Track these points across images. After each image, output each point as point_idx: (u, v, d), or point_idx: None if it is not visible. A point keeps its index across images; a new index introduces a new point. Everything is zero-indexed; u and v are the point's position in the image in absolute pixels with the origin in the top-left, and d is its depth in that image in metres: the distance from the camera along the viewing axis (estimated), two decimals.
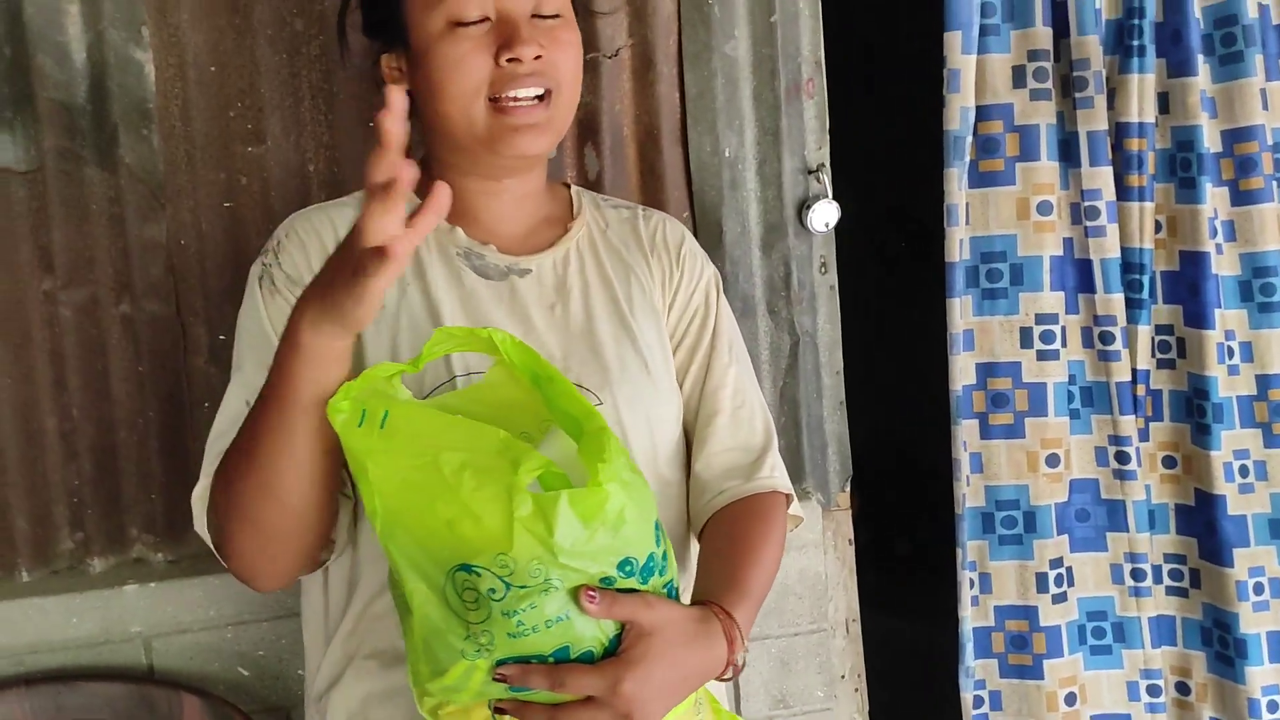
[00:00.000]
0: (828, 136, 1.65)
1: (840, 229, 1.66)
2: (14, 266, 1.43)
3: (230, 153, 1.47)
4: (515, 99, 1.10)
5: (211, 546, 1.06)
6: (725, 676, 1.00)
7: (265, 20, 1.45)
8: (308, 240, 1.14)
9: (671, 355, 1.21)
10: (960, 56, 1.59)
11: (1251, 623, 1.66)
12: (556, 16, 1.13)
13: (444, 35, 1.10)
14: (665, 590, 0.94)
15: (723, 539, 1.13)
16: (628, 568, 0.89)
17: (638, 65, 1.57)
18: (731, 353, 1.24)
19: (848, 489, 1.71)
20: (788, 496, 1.21)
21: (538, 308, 1.17)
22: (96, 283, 1.45)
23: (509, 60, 1.09)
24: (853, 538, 1.72)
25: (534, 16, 1.12)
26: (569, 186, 1.29)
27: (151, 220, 1.45)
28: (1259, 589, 1.67)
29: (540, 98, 1.11)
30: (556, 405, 0.96)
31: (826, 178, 1.64)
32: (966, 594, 1.69)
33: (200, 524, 1.07)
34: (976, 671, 1.70)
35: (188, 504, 1.18)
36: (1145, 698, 1.70)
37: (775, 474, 1.19)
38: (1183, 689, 1.74)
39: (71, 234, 1.44)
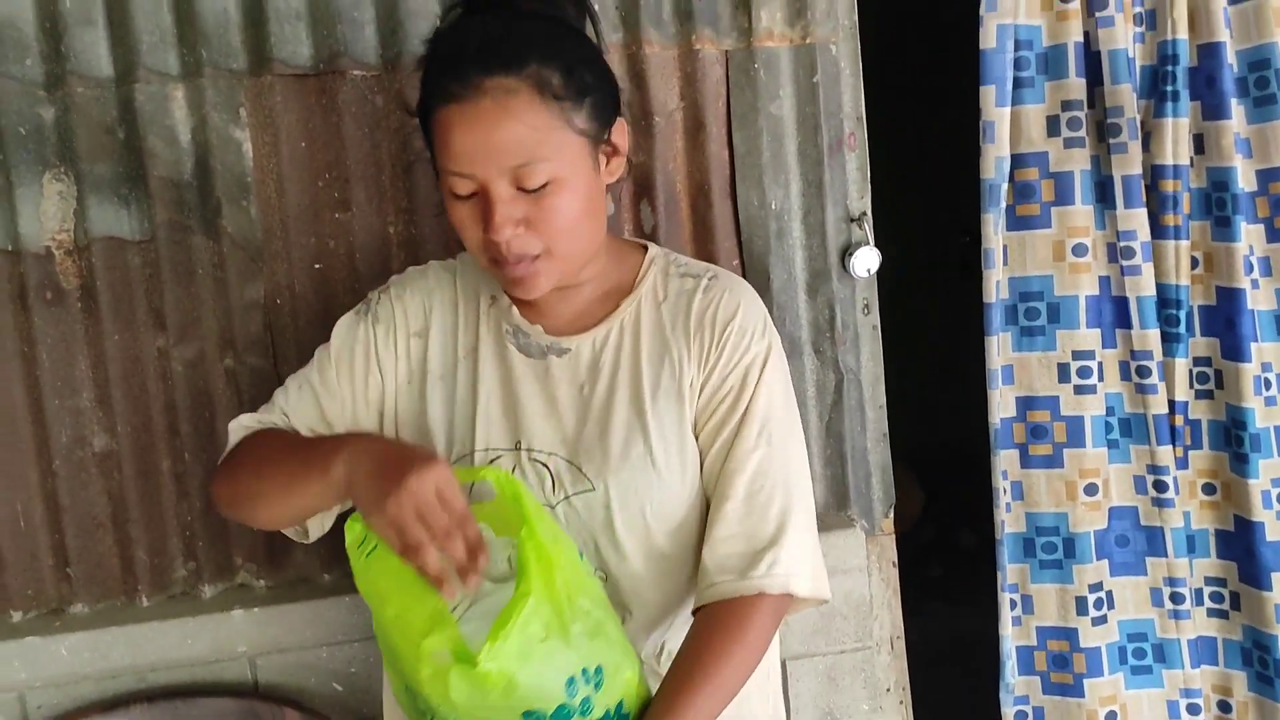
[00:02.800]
0: (869, 186, 1.65)
1: (883, 272, 1.66)
2: (132, 326, 1.51)
3: (320, 219, 1.52)
4: (508, 261, 1.11)
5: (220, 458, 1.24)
6: None
7: (349, 99, 1.50)
8: (410, 294, 1.26)
9: (693, 439, 1.18)
10: (995, 109, 1.57)
11: None
12: (545, 186, 1.09)
13: (450, 199, 1.13)
14: None
15: (690, 644, 1.12)
16: (534, 716, 0.98)
17: (689, 125, 1.59)
18: (762, 436, 1.17)
19: (890, 515, 1.72)
20: (788, 594, 1.15)
21: (567, 386, 1.19)
22: (203, 339, 1.52)
23: (490, 234, 1.10)
24: (895, 560, 1.73)
25: (522, 188, 1.09)
26: (647, 248, 1.27)
27: (251, 282, 1.52)
28: None
29: (534, 258, 1.12)
30: (521, 552, 1.00)
31: (868, 225, 1.64)
32: (1007, 614, 1.67)
33: (232, 439, 1.23)
34: (1019, 689, 1.69)
35: (285, 536, 1.28)
36: (1186, 716, 1.67)
37: (773, 571, 1.13)
38: (1224, 707, 1.70)
39: (180, 296, 1.51)
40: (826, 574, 1.22)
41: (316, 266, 1.53)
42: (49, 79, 1.46)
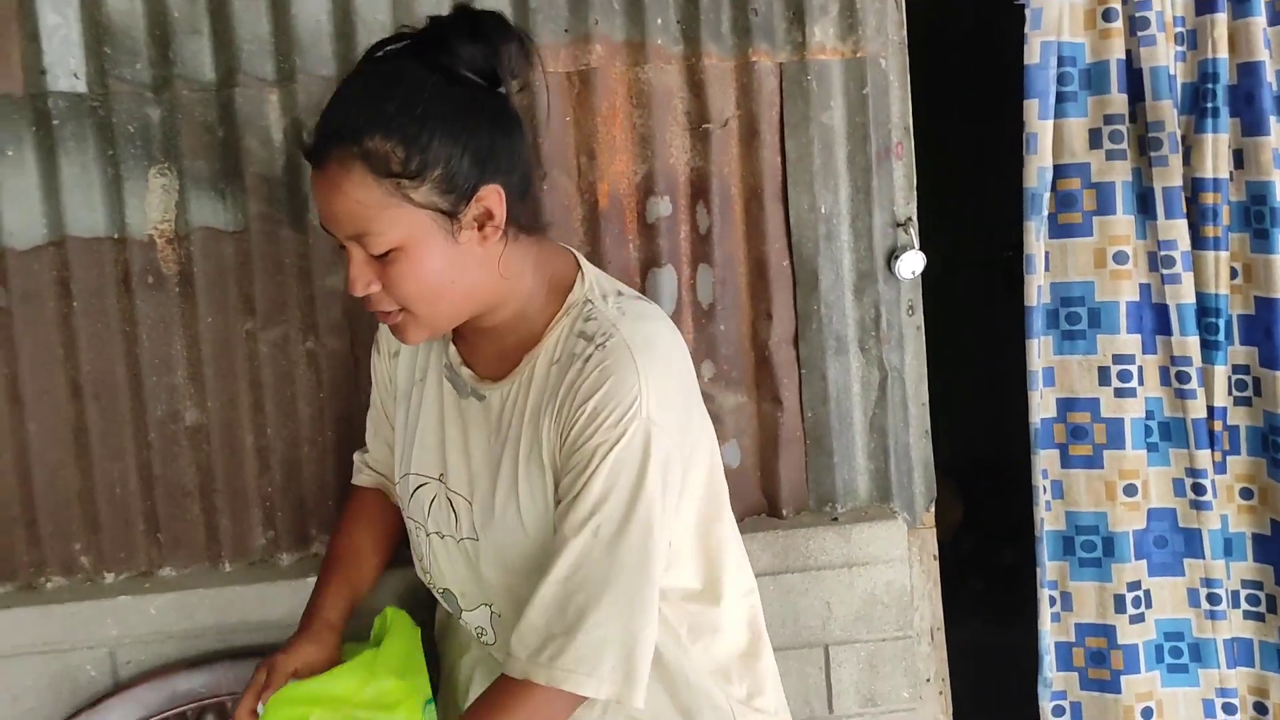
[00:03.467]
0: (915, 193, 1.72)
1: (928, 274, 1.73)
2: (224, 310, 1.62)
3: None
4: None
5: None
6: None
7: None
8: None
9: (553, 506, 1.19)
10: (1038, 121, 1.63)
11: None
12: (389, 253, 1.13)
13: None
14: None
15: (471, 708, 1.20)
16: None
17: (744, 133, 1.67)
18: (588, 524, 1.13)
19: (931, 509, 1.76)
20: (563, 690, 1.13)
21: (480, 433, 1.25)
22: (288, 323, 1.63)
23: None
24: (936, 553, 1.77)
25: (370, 255, 1.14)
26: (569, 293, 1.23)
27: (332, 272, 1.62)
28: None
29: (399, 311, 1.17)
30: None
31: (914, 230, 1.71)
32: (1046, 610, 1.71)
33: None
34: (1057, 683, 1.73)
35: None
36: (1221, 715, 1.69)
37: (554, 663, 1.12)
38: (1261, 709, 1.72)
39: (268, 283, 1.62)
40: (642, 679, 1.14)
41: None
42: (157, 82, 1.58)
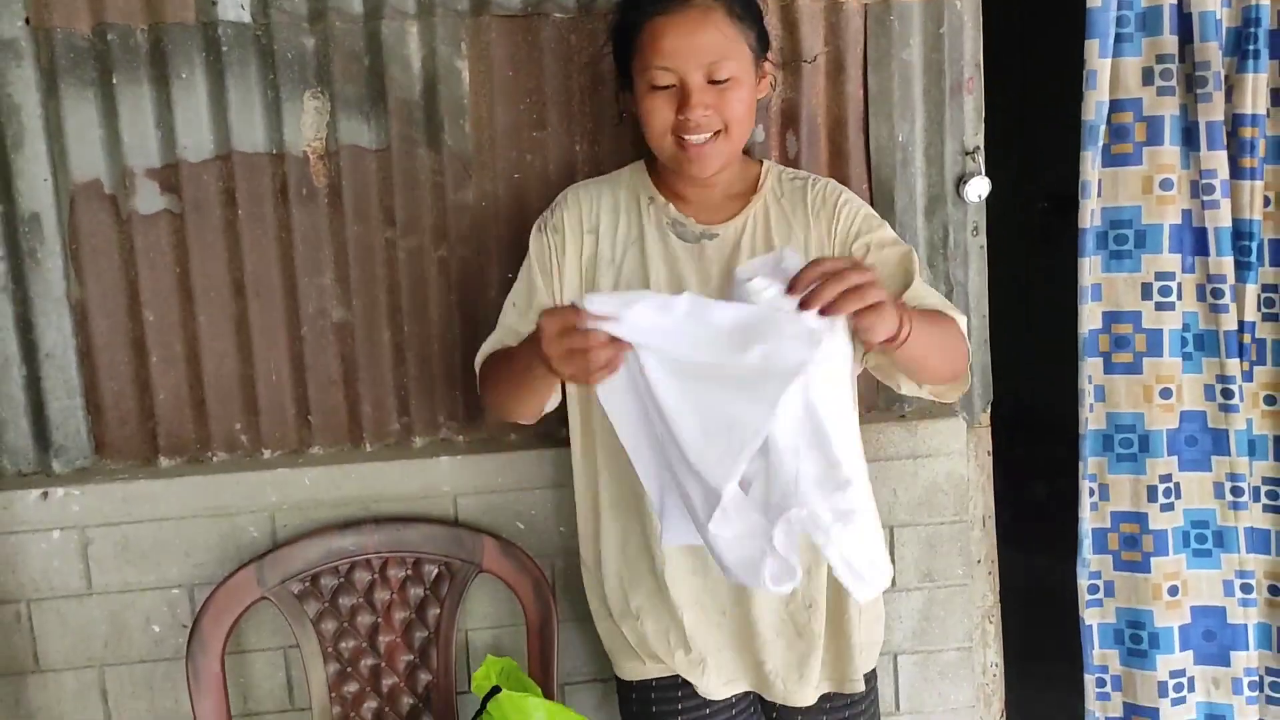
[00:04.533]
0: (983, 125, 1.91)
1: (991, 199, 1.91)
2: (367, 220, 1.82)
3: (520, 137, 1.82)
4: (692, 140, 1.46)
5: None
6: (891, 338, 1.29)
7: (550, 37, 1.79)
8: (572, 206, 1.59)
9: None
10: (1097, 59, 1.81)
11: None
12: (728, 80, 1.45)
13: (647, 94, 1.47)
14: None
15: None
16: None
17: (831, 68, 1.85)
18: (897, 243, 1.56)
19: (988, 410, 1.97)
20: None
21: (718, 265, 1.53)
22: (423, 233, 1.83)
23: (682, 115, 1.45)
24: (990, 449, 1.98)
25: (710, 82, 1.44)
26: (762, 163, 1.61)
27: (463, 187, 1.82)
28: None
29: (715, 133, 1.46)
30: None
31: (980, 158, 1.89)
32: (1086, 500, 1.92)
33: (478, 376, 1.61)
34: (1094, 565, 1.95)
35: (479, 401, 1.63)
36: (1239, 594, 1.91)
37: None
38: (1275, 590, 1.93)
39: (407, 196, 1.82)
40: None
41: (515, 176, 1.83)
42: (312, 14, 1.77)
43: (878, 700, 1.71)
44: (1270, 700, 1.94)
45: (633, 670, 1.63)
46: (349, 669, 1.75)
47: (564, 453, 1.79)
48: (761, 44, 1.52)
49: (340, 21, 1.77)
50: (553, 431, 1.82)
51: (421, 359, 1.87)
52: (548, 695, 1.71)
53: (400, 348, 1.86)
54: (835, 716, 1.63)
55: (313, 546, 1.76)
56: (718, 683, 1.60)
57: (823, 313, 1.18)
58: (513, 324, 1.60)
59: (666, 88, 1.45)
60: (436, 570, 1.77)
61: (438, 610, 1.75)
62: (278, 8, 1.76)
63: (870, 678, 1.65)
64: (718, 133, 1.47)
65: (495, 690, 1.56)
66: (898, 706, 1.97)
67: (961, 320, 1.51)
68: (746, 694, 1.64)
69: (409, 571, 1.77)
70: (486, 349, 1.62)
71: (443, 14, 1.78)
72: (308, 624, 1.73)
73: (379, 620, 1.76)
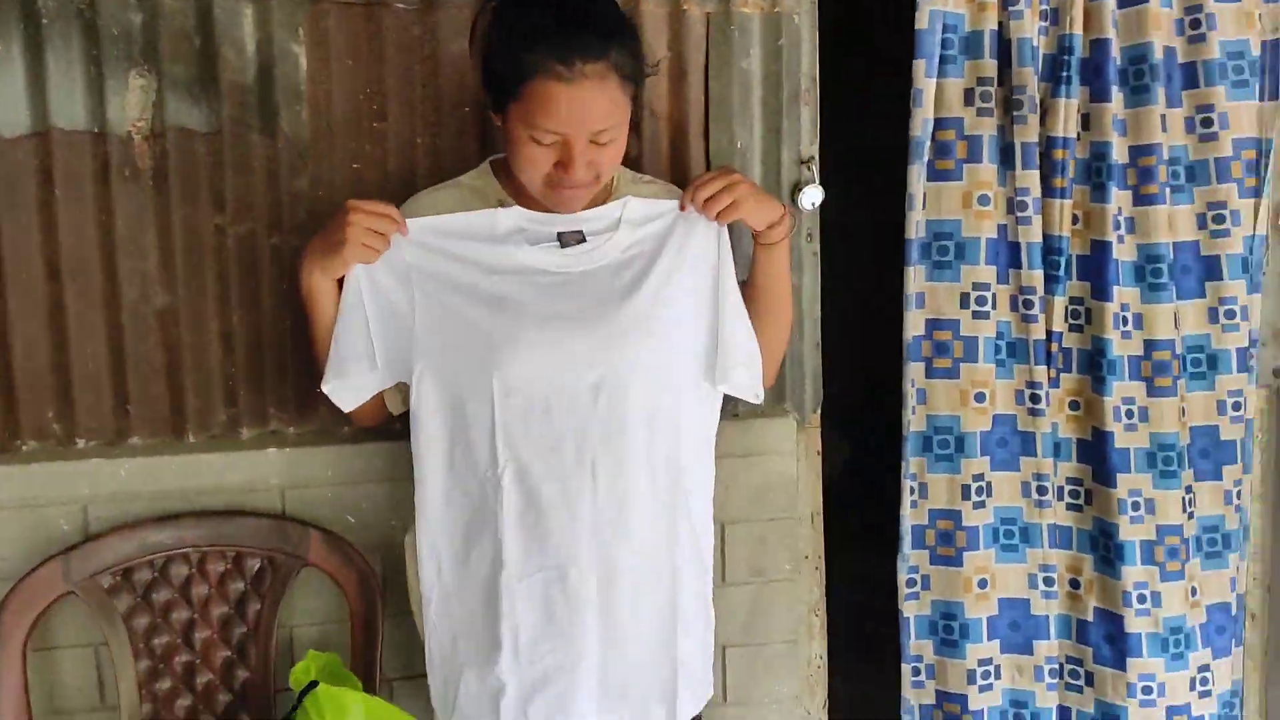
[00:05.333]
0: (818, 135, 1.98)
1: (824, 208, 1.98)
2: (195, 204, 1.77)
3: (359, 127, 1.79)
4: (564, 186, 1.47)
5: None
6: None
7: (391, 27, 1.77)
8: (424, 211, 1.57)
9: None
10: (924, 79, 1.89)
11: (1128, 532, 1.97)
12: (610, 141, 1.45)
13: (525, 141, 1.45)
14: None
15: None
16: None
17: (674, 73, 1.89)
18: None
19: (818, 411, 2.05)
20: None
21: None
22: (255, 220, 1.79)
23: (562, 172, 1.45)
24: (820, 449, 2.06)
25: (592, 142, 1.44)
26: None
27: (298, 175, 1.79)
28: (1135, 506, 1.98)
29: (590, 180, 1.48)
30: None
31: (815, 167, 1.96)
32: (907, 498, 2.01)
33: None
34: (913, 559, 2.04)
35: (314, 391, 1.60)
36: (1042, 587, 2.03)
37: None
38: (1074, 584, 2.07)
39: (238, 182, 1.77)
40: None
41: (354, 166, 1.81)
42: None
43: None
44: (1069, 687, 2.07)
45: None
46: (161, 666, 1.70)
47: (396, 447, 1.78)
48: (639, 77, 1.50)
49: None
50: (384, 426, 1.80)
51: (251, 349, 1.83)
52: (370, 690, 1.70)
53: (228, 337, 1.82)
54: None
55: (125, 540, 1.70)
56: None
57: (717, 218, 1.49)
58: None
59: (548, 145, 1.44)
60: (259, 564, 1.74)
61: (259, 605, 1.72)
62: None
63: None
64: (593, 179, 1.48)
65: (313, 685, 1.54)
66: (725, 698, 2.03)
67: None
68: None
69: (229, 566, 1.73)
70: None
71: None
72: (118, 620, 1.67)
73: (195, 616, 1.71)
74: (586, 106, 1.41)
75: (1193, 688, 2.04)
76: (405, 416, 1.61)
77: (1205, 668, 2.05)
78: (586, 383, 1.48)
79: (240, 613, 1.73)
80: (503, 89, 1.46)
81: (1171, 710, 2.02)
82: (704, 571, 1.65)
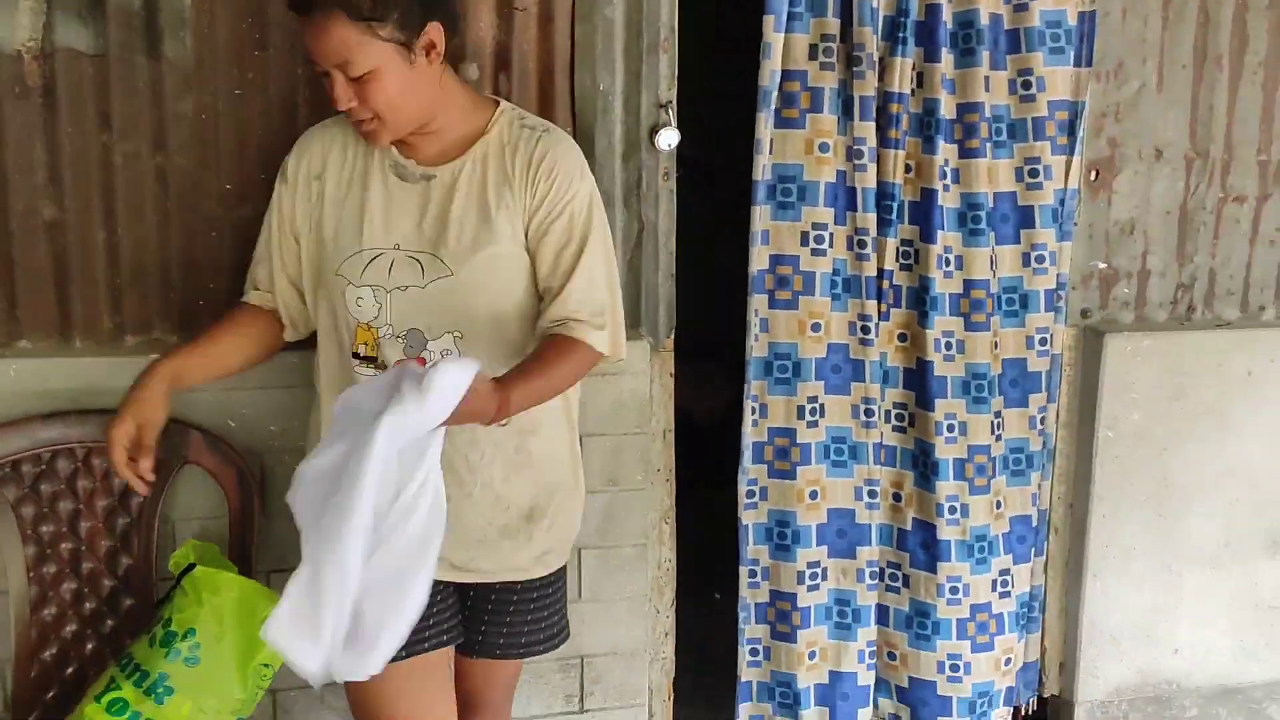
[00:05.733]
0: (675, 81, 2.14)
1: (680, 149, 2.16)
2: (82, 122, 1.87)
3: (242, 55, 1.91)
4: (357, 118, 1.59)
5: None
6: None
7: None
8: (303, 153, 1.71)
9: (524, 240, 1.66)
10: (773, 34, 2.06)
11: (943, 451, 2.22)
12: (364, 75, 1.54)
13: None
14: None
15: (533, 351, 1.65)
16: None
17: (541, 18, 2.03)
18: (581, 241, 1.65)
19: (671, 336, 2.24)
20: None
21: (433, 204, 1.65)
22: (140, 139, 1.89)
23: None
24: (673, 371, 2.25)
25: (348, 78, 1.54)
26: (499, 104, 1.71)
27: (182, 98, 1.90)
28: (951, 428, 2.22)
29: (372, 118, 1.58)
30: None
31: (672, 111, 2.13)
32: (749, 417, 2.23)
33: None
34: (753, 473, 2.26)
35: (198, 303, 1.78)
36: (866, 499, 2.27)
37: (591, 335, 1.63)
38: (896, 497, 2.31)
39: (124, 103, 1.88)
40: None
41: (236, 92, 1.93)
42: None
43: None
44: (889, 588, 2.32)
45: None
46: (49, 551, 1.83)
47: (276, 357, 1.92)
48: (407, 26, 1.55)
49: None
50: None
51: (135, 262, 1.94)
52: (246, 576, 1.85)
53: (114, 250, 1.93)
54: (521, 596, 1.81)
55: (14, 434, 1.82)
56: None
57: None
58: (255, 277, 1.78)
59: (325, 74, 1.57)
60: None
61: (140, 499, 1.86)
62: None
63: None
64: (375, 116, 1.58)
65: (191, 567, 1.70)
66: (580, 595, 2.23)
67: (597, 336, 1.65)
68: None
69: None
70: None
71: None
72: (6, 509, 1.80)
73: (80, 507, 1.85)
74: (320, 41, 1.54)
75: (994, 589, 2.31)
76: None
77: (1006, 572, 2.32)
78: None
79: (124, 505, 1.87)
80: None
81: (975, 608, 2.29)
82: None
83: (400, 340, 1.66)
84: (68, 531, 1.85)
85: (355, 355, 1.68)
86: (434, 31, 1.59)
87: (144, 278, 1.95)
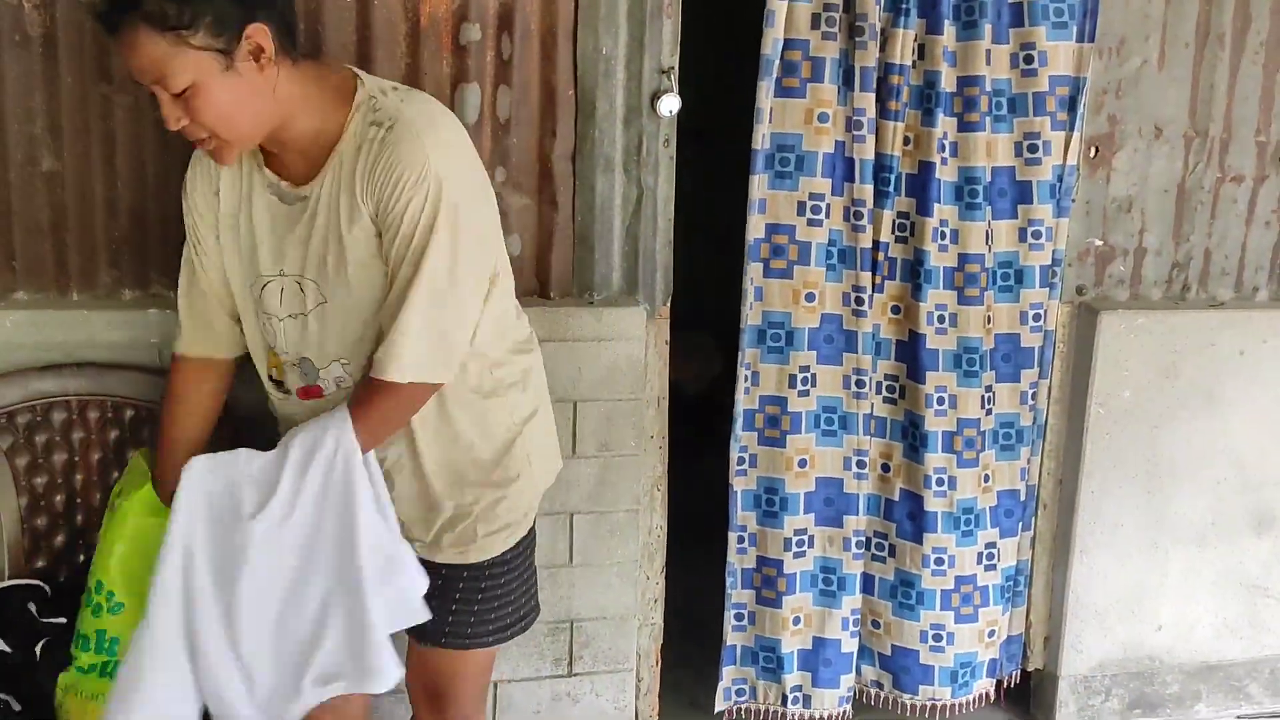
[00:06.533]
0: (678, 48, 2.15)
1: (680, 115, 2.17)
2: (82, 73, 1.87)
3: None
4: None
5: None
6: None
7: None
8: (203, 164, 1.64)
9: (378, 254, 1.54)
10: (776, 1, 2.08)
11: (932, 424, 2.25)
12: (185, 91, 1.44)
13: None
14: None
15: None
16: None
17: None
18: (407, 263, 1.50)
19: (668, 304, 2.25)
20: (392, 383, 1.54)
21: (307, 226, 1.56)
22: (141, 91, 1.88)
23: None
24: (669, 339, 2.27)
25: (172, 95, 1.44)
26: (356, 92, 1.54)
27: None
28: (941, 401, 2.26)
29: (209, 137, 1.49)
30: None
31: (674, 77, 2.14)
32: (741, 385, 2.25)
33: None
34: (743, 440, 2.29)
35: None
36: (855, 469, 2.30)
37: (388, 368, 1.53)
38: (885, 468, 2.34)
39: None
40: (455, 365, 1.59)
41: None
42: None
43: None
44: (875, 558, 2.36)
45: None
46: (41, 502, 1.85)
47: None
48: (222, 31, 1.43)
49: None
50: None
51: (134, 215, 1.96)
52: None
53: (113, 203, 1.95)
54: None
55: (10, 385, 1.84)
56: None
57: None
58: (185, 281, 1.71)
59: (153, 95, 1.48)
60: (135, 414, 1.89)
61: (134, 451, 1.88)
62: None
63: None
64: (211, 135, 1.48)
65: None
66: (570, 560, 2.26)
67: (398, 370, 1.54)
68: None
69: (109, 415, 1.88)
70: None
71: None
72: (1, 459, 1.82)
73: (75, 459, 1.87)
74: (131, 59, 1.45)
75: (980, 561, 2.34)
76: None
77: (992, 545, 2.36)
78: None
79: (118, 458, 1.89)
80: None
81: (960, 579, 2.33)
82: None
83: (296, 368, 1.64)
84: (61, 483, 1.87)
85: (270, 379, 1.69)
86: (258, 34, 1.46)
87: (142, 232, 1.96)
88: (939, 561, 2.30)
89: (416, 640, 1.79)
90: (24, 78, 1.86)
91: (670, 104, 2.13)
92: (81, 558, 1.88)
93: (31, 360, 1.90)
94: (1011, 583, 2.43)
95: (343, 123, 1.54)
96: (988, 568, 2.36)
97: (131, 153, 1.93)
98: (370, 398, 1.58)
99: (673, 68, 2.14)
